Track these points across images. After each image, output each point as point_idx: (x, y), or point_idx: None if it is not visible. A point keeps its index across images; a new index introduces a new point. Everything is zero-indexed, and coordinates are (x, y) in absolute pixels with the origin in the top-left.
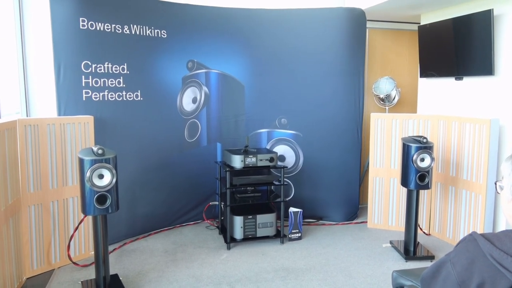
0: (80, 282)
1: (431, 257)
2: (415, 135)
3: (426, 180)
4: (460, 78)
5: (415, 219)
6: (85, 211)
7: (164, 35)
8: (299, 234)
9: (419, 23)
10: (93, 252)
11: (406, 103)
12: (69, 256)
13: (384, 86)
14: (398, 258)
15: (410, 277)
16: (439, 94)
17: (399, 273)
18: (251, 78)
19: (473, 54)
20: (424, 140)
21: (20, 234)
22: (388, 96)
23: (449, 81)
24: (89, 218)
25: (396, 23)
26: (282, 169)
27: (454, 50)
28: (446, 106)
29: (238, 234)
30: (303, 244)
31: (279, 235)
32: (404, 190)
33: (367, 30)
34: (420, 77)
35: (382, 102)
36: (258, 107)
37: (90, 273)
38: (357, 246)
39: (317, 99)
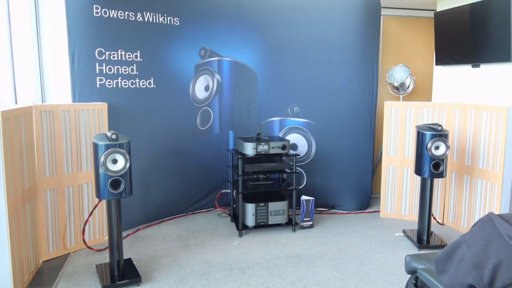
0: (94, 266)
1: (445, 247)
2: (430, 123)
3: (441, 168)
4: (477, 66)
5: (428, 208)
6: (99, 196)
7: (177, 23)
8: (311, 222)
9: (435, 10)
10: (107, 238)
11: (421, 92)
12: (84, 240)
13: (399, 74)
14: (411, 246)
15: (423, 261)
16: (455, 82)
17: (412, 257)
18: (263, 66)
19: (491, 40)
20: (439, 128)
21: (37, 218)
22: (402, 85)
23: (466, 69)
24: (103, 204)
25: (411, 10)
26: (294, 157)
27: (471, 36)
28: (462, 94)
29: (250, 221)
30: (314, 232)
31: (290, 223)
32: (418, 179)
33: (382, 17)
34: (436, 65)
35: (396, 91)
36: (270, 95)
37: (105, 258)
38: (370, 234)
39: (330, 88)
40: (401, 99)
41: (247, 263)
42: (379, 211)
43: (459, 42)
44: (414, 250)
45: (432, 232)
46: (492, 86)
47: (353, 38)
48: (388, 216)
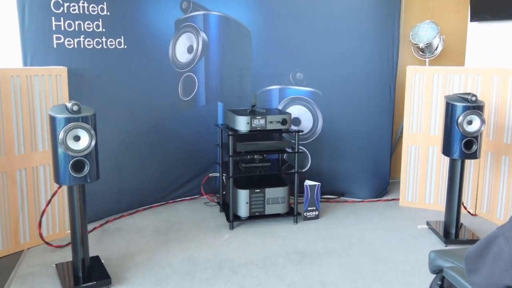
0: (54, 265)
1: (477, 241)
2: (461, 92)
3: (474, 147)
4: None
5: (458, 195)
6: (59, 180)
7: None
8: (317, 212)
9: None
10: (69, 231)
11: (452, 54)
12: (40, 235)
13: (425, 33)
14: (436, 241)
15: (451, 257)
16: (494, 42)
17: (438, 253)
18: (260, 23)
19: None
20: (473, 99)
21: None
22: (429, 46)
23: (508, 26)
24: (64, 190)
25: None
26: (296, 133)
27: None
28: (502, 57)
29: (243, 211)
30: (321, 224)
31: (292, 213)
32: (446, 161)
33: None
34: (471, 21)
35: (421, 53)
36: (268, 59)
37: (67, 255)
38: (387, 227)
39: (341, 50)
40: (427, 64)
41: (240, 261)
42: (398, 199)
43: None
44: (440, 246)
45: (461, 224)
46: None
47: None
48: (409, 205)
